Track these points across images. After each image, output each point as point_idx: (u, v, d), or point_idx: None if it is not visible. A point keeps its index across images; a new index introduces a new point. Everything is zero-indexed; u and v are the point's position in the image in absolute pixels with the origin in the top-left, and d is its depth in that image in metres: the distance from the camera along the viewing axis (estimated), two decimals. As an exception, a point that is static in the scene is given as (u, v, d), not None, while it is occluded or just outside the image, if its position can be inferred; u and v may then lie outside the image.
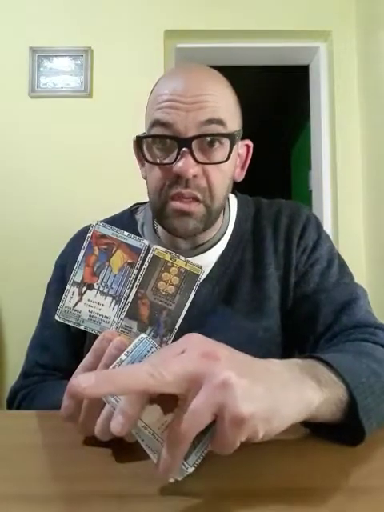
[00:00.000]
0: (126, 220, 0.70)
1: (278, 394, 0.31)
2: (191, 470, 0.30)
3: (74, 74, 1.85)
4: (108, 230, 0.41)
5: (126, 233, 0.41)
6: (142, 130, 0.62)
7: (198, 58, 1.92)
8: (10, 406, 0.64)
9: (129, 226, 0.68)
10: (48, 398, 0.55)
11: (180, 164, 0.53)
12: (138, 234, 0.67)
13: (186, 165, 0.53)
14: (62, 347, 0.65)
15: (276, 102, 3.49)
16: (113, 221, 0.70)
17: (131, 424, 0.29)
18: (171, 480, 0.30)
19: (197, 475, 0.30)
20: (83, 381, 0.27)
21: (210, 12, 1.87)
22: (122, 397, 0.31)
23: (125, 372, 0.30)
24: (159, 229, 0.66)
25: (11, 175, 1.82)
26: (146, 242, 0.41)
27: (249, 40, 1.94)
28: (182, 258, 0.41)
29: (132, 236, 0.41)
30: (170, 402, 0.30)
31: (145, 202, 0.74)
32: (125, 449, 0.36)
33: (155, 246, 0.41)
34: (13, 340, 1.78)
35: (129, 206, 0.75)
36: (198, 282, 0.41)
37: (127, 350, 0.35)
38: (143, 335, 0.36)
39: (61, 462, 0.37)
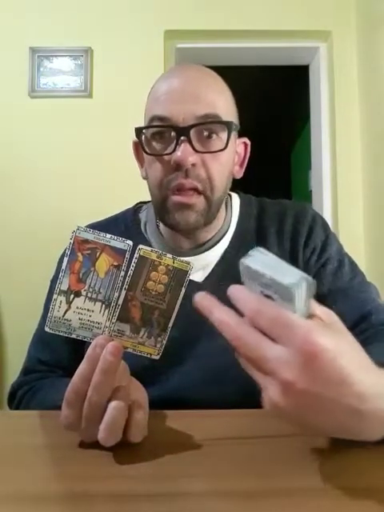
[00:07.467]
0: (128, 218, 0.70)
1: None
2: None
3: (74, 74, 1.85)
4: (90, 235, 0.40)
5: (108, 235, 0.40)
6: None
7: (198, 58, 1.91)
8: (10, 403, 0.64)
9: (132, 225, 0.68)
10: (49, 396, 0.55)
11: (179, 152, 0.54)
12: (141, 233, 0.67)
13: (185, 153, 0.54)
14: (62, 345, 0.65)
15: (276, 102, 3.49)
16: (115, 219, 0.70)
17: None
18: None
19: (197, 475, 0.30)
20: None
21: (210, 12, 1.87)
22: None
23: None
24: (162, 227, 0.66)
25: (11, 175, 1.82)
26: (131, 243, 0.40)
27: (249, 40, 1.94)
28: (169, 255, 0.40)
29: (115, 238, 0.40)
30: None
31: (148, 201, 0.74)
32: (125, 449, 0.36)
33: (141, 246, 0.40)
34: (13, 337, 1.78)
35: (128, 205, 0.75)
36: (188, 278, 0.40)
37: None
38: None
39: (61, 462, 0.37)
